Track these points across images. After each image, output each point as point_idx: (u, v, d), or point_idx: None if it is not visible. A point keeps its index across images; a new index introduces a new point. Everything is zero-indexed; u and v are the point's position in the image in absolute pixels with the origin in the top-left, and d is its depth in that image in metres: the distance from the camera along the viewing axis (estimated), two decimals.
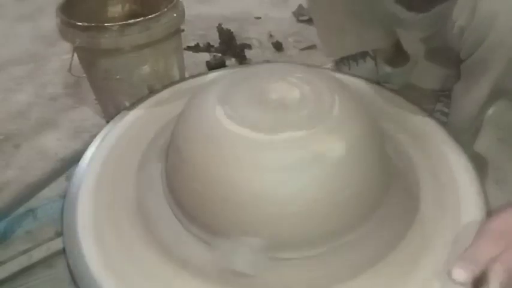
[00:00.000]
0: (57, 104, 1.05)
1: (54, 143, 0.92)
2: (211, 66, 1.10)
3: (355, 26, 0.86)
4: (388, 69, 0.94)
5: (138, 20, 0.77)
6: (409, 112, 0.71)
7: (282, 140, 0.51)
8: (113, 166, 0.65)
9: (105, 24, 0.76)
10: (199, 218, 0.55)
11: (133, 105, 0.76)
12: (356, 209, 0.53)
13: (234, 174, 0.51)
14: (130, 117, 0.73)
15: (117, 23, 0.76)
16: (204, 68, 1.12)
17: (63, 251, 0.57)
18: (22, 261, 0.64)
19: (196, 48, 1.22)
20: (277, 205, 0.50)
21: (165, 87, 0.81)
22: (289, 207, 0.50)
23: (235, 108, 0.56)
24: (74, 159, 0.79)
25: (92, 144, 0.68)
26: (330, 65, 0.98)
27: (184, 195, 0.57)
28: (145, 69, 0.83)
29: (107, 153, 0.66)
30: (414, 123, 0.69)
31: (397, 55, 0.95)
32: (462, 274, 0.43)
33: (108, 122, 0.79)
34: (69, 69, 0.86)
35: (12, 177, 0.83)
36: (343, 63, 0.95)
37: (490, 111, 0.66)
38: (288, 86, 0.58)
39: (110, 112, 0.93)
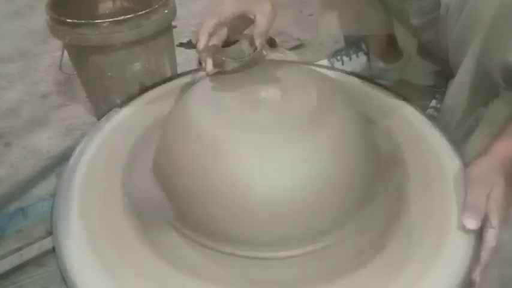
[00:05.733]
0: (48, 102, 1.03)
1: (45, 142, 0.91)
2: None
3: (355, 7, 0.87)
4: (381, 64, 0.94)
5: (128, 16, 0.76)
6: (401, 108, 0.71)
7: (268, 140, 0.51)
8: (102, 164, 0.65)
9: (95, 21, 0.75)
10: (191, 217, 0.55)
11: (124, 103, 0.76)
12: (343, 207, 0.53)
13: (219, 174, 0.51)
14: (120, 115, 0.73)
15: (108, 20, 0.75)
16: (194, 66, 1.11)
17: (53, 249, 0.58)
18: (13, 260, 0.63)
19: (188, 45, 1.19)
20: (262, 204, 0.50)
21: (156, 84, 0.80)
22: (273, 206, 0.50)
23: (222, 108, 0.56)
24: (64, 156, 0.78)
25: (81, 141, 0.68)
26: (322, 61, 0.98)
27: (173, 194, 0.57)
28: (137, 66, 0.83)
29: (96, 151, 0.66)
30: (406, 118, 0.69)
31: (391, 51, 0.95)
32: (473, 222, 0.49)
33: (99, 119, 0.78)
34: (60, 67, 0.86)
35: (3, 176, 0.82)
36: (336, 58, 0.95)
37: (484, 111, 0.66)
38: (275, 85, 0.58)
39: (102, 110, 0.92)
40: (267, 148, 0.51)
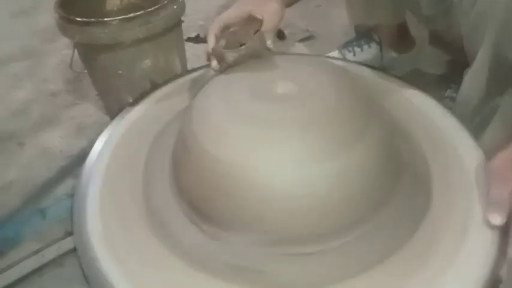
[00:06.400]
0: (58, 101, 1.03)
1: (57, 141, 0.91)
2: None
3: None
4: (393, 54, 0.93)
5: (138, 13, 0.75)
6: (416, 99, 0.70)
7: (289, 135, 0.51)
8: (119, 163, 0.64)
9: (105, 19, 0.74)
10: (207, 213, 0.55)
11: (136, 101, 0.75)
12: (366, 202, 0.53)
13: (241, 169, 0.51)
14: (134, 114, 0.73)
15: (117, 18, 0.75)
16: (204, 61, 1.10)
17: (74, 249, 0.58)
18: (34, 262, 0.63)
19: (196, 39, 1.20)
20: (286, 200, 0.50)
21: (167, 81, 0.80)
22: (298, 201, 0.50)
23: (241, 105, 0.55)
24: (80, 157, 0.79)
25: (97, 141, 0.68)
26: (333, 53, 0.97)
27: (192, 191, 0.57)
28: (147, 63, 0.82)
29: (113, 150, 0.66)
30: (422, 110, 0.68)
31: (403, 40, 0.93)
32: (498, 217, 0.48)
33: (111, 118, 0.78)
34: (70, 66, 0.85)
35: (18, 176, 0.83)
36: (347, 50, 0.94)
37: (501, 100, 0.64)
38: (293, 80, 0.57)
39: (113, 108, 0.92)
40: (289, 145, 0.51)
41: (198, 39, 1.21)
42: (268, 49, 0.63)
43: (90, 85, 0.94)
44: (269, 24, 0.62)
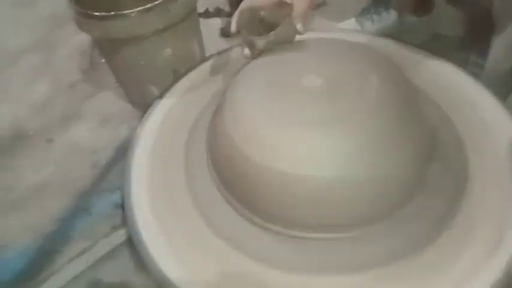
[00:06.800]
0: (77, 92, 1.03)
1: (85, 134, 0.92)
2: (226, 34, 1.07)
3: None
4: (412, 18, 0.91)
5: (156, 3, 0.74)
6: (444, 70, 0.70)
7: (325, 129, 0.52)
8: (159, 156, 0.67)
9: (124, 12, 0.73)
10: (248, 202, 0.57)
11: (163, 93, 0.76)
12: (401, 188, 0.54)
13: (279, 173, 0.52)
14: (165, 106, 0.74)
15: (136, 9, 0.73)
16: (217, 36, 1.09)
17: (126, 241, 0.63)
18: (88, 258, 0.67)
19: (206, 14, 1.18)
20: (323, 189, 0.51)
21: (190, 69, 0.80)
22: (335, 189, 0.51)
23: (275, 102, 0.56)
24: (111, 149, 0.81)
25: (134, 136, 0.69)
26: (349, 21, 0.95)
27: (233, 183, 0.59)
28: (168, 52, 0.81)
29: (152, 144, 0.68)
30: (447, 80, 0.68)
31: (421, 3, 0.91)
32: None
33: (133, 105, 0.81)
34: (90, 63, 0.85)
35: (53, 174, 0.84)
36: (365, 17, 0.92)
37: None
38: (326, 70, 0.57)
39: (135, 96, 0.92)
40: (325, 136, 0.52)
41: (208, 14, 1.19)
42: (299, 33, 0.63)
43: (107, 73, 0.94)
44: (299, 8, 0.61)
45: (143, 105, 0.84)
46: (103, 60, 0.90)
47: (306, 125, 0.52)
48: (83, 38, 1.09)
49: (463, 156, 0.59)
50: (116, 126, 0.92)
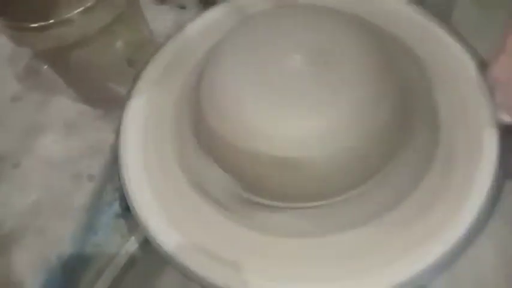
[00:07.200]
0: (25, 104, 0.96)
1: (54, 147, 0.87)
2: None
3: None
4: None
5: None
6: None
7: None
8: (153, 159, 0.68)
9: (66, 16, 0.67)
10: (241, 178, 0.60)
11: (130, 91, 0.74)
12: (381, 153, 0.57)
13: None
14: (137, 103, 0.72)
15: (76, 11, 0.67)
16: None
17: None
18: (111, 273, 0.67)
19: None
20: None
21: (147, 61, 0.77)
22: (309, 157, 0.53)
23: (262, 75, 0.56)
24: (84, 156, 0.79)
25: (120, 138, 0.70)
26: None
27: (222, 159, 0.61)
28: (119, 44, 0.77)
29: (141, 146, 0.69)
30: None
31: None
32: (508, 117, 0.51)
33: (91, 106, 0.83)
34: (27, 70, 0.78)
35: (38, 198, 0.80)
36: None
37: None
38: (312, 39, 0.57)
39: (92, 96, 0.88)
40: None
41: None
42: None
43: (52, 78, 0.87)
44: None
45: (104, 104, 0.81)
46: (45, 67, 0.83)
47: (277, 105, 0.54)
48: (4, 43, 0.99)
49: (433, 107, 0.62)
50: (83, 131, 0.88)
